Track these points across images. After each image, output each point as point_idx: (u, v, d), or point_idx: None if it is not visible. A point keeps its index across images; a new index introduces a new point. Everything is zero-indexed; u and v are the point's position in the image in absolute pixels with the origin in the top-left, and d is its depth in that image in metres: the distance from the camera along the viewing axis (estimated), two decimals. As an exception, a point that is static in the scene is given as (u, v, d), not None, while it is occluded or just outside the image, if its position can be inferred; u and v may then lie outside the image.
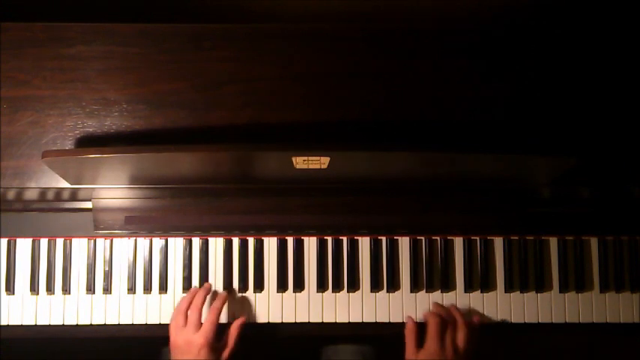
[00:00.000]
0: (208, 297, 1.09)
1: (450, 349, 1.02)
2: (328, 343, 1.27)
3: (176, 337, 1.03)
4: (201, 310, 1.05)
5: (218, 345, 1.04)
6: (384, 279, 1.13)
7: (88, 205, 1.08)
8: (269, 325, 1.12)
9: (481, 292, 1.13)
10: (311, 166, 0.90)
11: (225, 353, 1.04)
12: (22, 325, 1.11)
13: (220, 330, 1.05)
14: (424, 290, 1.13)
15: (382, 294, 1.13)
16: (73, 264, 1.12)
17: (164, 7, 1.19)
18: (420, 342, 1.04)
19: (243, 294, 1.12)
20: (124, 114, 1.01)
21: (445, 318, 1.05)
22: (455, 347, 1.02)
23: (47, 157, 0.89)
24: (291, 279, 1.13)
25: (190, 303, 1.06)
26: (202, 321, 1.04)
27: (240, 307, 1.12)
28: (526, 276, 1.14)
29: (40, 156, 0.92)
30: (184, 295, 1.11)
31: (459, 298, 1.13)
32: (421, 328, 1.06)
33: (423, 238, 1.14)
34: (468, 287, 1.13)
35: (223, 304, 1.08)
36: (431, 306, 1.12)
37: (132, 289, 1.12)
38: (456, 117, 1.02)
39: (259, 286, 1.12)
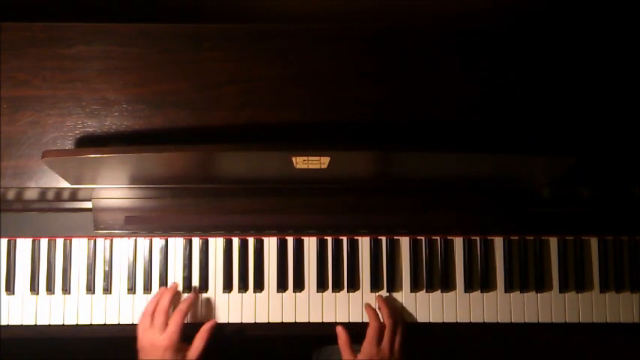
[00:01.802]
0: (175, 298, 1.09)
1: (386, 351, 1.04)
2: (324, 343, 1.27)
3: (142, 339, 1.04)
4: (167, 312, 1.05)
5: (184, 346, 1.04)
6: (384, 279, 1.13)
7: (88, 205, 1.08)
8: (269, 325, 1.12)
9: (481, 292, 1.13)
10: (311, 166, 0.90)
11: (192, 355, 1.03)
12: (22, 325, 1.11)
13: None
14: (424, 290, 1.13)
15: (382, 294, 1.13)
16: (73, 264, 1.12)
17: (164, 7, 1.19)
18: (355, 345, 1.07)
19: (244, 294, 1.12)
20: (124, 114, 1.01)
21: (383, 321, 1.07)
22: (391, 349, 1.04)
23: (47, 157, 0.89)
24: (291, 279, 1.13)
25: (157, 305, 1.06)
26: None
27: (240, 306, 1.12)
28: (526, 276, 1.14)
29: (40, 156, 0.92)
30: (157, 296, 1.11)
31: (459, 298, 1.13)
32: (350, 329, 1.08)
33: (423, 238, 1.14)
34: (468, 287, 1.13)
35: (189, 306, 1.08)
36: (364, 306, 1.12)
37: (132, 289, 1.12)
38: (456, 117, 1.02)
39: (259, 286, 1.12)
